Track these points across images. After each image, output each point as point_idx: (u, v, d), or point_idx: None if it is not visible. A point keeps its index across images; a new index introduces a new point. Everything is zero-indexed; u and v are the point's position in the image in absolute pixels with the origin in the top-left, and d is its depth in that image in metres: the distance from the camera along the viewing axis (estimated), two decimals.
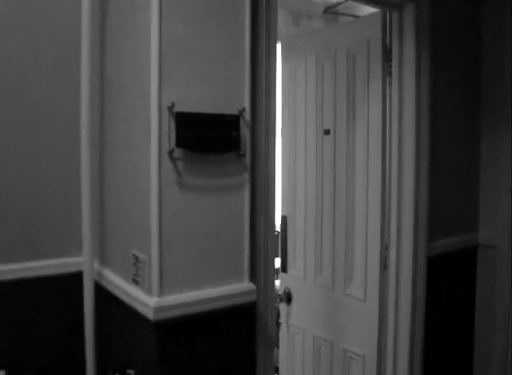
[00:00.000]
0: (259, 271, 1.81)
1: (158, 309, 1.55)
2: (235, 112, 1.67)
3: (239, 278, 1.74)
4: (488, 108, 2.83)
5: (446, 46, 2.59)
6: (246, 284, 1.76)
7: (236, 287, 1.72)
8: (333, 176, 2.81)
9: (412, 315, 2.47)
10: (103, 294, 1.89)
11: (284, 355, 3.21)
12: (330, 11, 3.97)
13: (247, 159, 1.73)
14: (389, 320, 2.54)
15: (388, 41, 2.42)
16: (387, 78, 2.43)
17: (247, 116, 1.71)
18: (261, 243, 1.82)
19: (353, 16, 3.84)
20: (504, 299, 2.82)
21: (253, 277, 1.78)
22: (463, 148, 2.79)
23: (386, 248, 2.56)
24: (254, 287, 1.77)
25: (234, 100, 1.68)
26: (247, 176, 1.74)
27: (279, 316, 3.19)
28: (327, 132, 2.85)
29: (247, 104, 1.70)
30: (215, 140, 1.63)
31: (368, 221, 2.61)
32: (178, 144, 1.57)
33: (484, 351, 2.91)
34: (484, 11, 2.80)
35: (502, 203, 2.80)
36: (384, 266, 2.57)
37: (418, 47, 2.35)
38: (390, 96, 2.44)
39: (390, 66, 2.41)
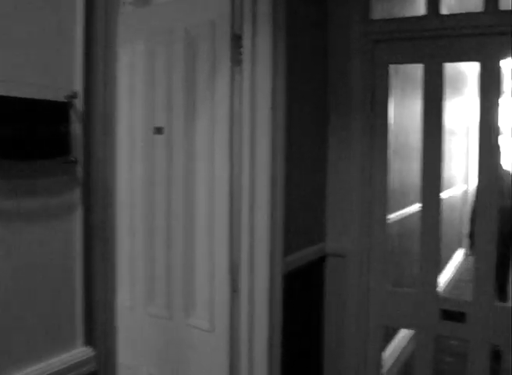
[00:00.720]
0: (98, 328, 1.28)
1: None
2: (61, 98, 1.11)
3: (70, 343, 1.18)
4: (335, 118, 2.69)
5: (299, 43, 2.34)
6: (80, 350, 1.21)
7: (65, 358, 1.16)
8: (167, 184, 2.35)
9: (269, 343, 2.15)
10: None
11: None
12: None
13: (80, 168, 1.19)
14: (241, 352, 2.18)
15: (238, 23, 2.04)
16: (237, 68, 2.06)
17: (80, 104, 1.16)
18: (100, 286, 1.28)
19: None
20: (354, 311, 2.69)
21: (90, 338, 1.24)
22: (312, 155, 2.58)
23: (234, 268, 2.20)
24: (93, 353, 1.22)
25: (60, 79, 1.12)
26: (79, 192, 1.19)
27: None
28: (159, 131, 2.37)
29: (79, 87, 1.16)
30: (31, 139, 1.06)
31: (215, 237, 2.21)
32: None
33: (335, 368, 2.75)
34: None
35: (350, 212, 2.66)
36: (234, 289, 2.19)
37: (275, 33, 2.03)
38: (241, 89, 2.07)
39: (241, 54, 2.05)
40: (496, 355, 4.07)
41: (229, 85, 2.04)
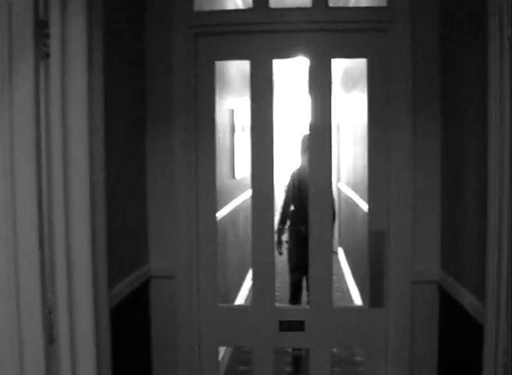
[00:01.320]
0: None
1: None
2: None
3: None
4: (154, 122, 2.36)
5: (119, 33, 1.95)
6: None
7: None
8: None
9: None
10: None
11: None
12: None
13: None
14: None
15: (44, 7, 1.57)
16: (43, 63, 1.59)
17: None
18: None
19: None
20: (186, 335, 2.40)
21: None
22: (132, 165, 2.21)
23: (50, 312, 1.73)
24: None
25: None
26: None
27: None
28: None
29: None
30: None
31: (19, 275, 1.71)
32: None
33: None
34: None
35: (174, 229, 2.36)
36: (50, 339, 1.73)
37: (90, 22, 1.62)
38: (48, 89, 1.61)
39: (48, 46, 1.59)
40: (296, 360, 4.19)
41: (32, 84, 1.56)
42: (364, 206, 4.59)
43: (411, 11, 2.21)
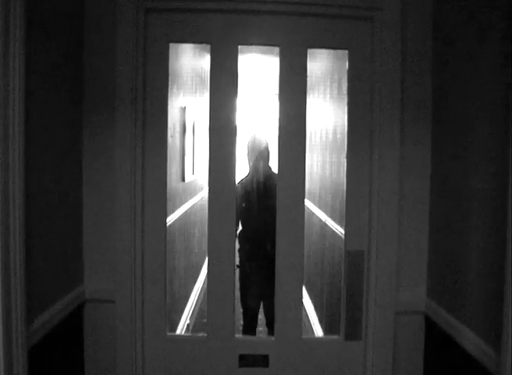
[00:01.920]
0: None
1: None
2: None
3: None
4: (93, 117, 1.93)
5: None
6: None
7: None
8: None
9: None
10: None
11: None
12: None
13: None
14: None
15: None
16: None
17: None
18: None
19: None
20: (128, 372, 1.98)
21: None
22: (62, 168, 1.78)
23: None
24: None
25: None
26: None
27: None
28: None
29: None
30: None
31: None
32: None
33: None
34: None
35: (122, 244, 1.94)
36: None
37: None
38: None
39: None
40: None
41: None
42: (321, 215, 4.28)
43: None
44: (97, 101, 1.91)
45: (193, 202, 5.51)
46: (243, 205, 3.73)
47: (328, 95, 4.15)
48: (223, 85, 1.97)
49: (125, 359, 1.98)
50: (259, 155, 3.47)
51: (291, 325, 2.04)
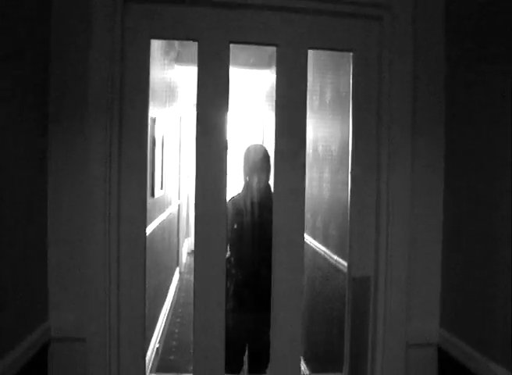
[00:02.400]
0: None
1: None
2: None
3: None
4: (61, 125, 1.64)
5: None
6: None
7: None
8: None
9: None
10: None
11: None
12: None
13: None
14: None
15: None
16: None
17: None
18: None
19: None
20: None
21: None
22: (23, 183, 1.49)
23: None
24: None
25: None
26: None
27: None
28: None
29: None
30: None
31: None
32: None
33: None
34: None
35: (87, 275, 1.65)
36: None
37: None
38: None
39: None
40: None
41: None
42: (307, 239, 4.04)
43: None
44: (66, 108, 1.63)
45: (162, 218, 5.25)
46: (234, 226, 3.03)
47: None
48: (212, 90, 1.72)
49: None
50: (254, 168, 2.85)
51: (289, 363, 1.79)
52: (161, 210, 5.25)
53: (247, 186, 2.87)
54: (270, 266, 2.02)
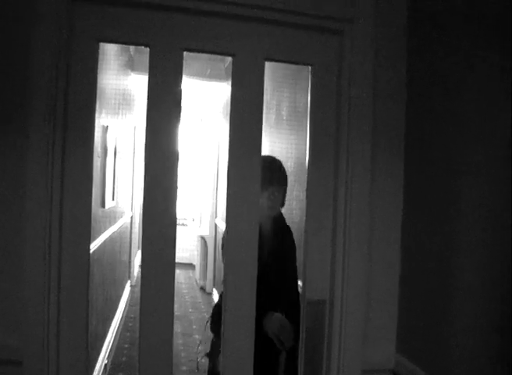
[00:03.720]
0: None
1: None
2: None
3: None
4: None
5: None
6: None
7: None
8: None
9: None
10: None
11: None
12: None
13: None
14: None
15: None
16: None
17: None
18: None
19: None
20: None
21: None
22: None
23: None
24: None
25: None
26: None
27: None
28: None
29: None
30: None
31: None
32: None
33: None
34: None
35: (31, 288, 1.50)
36: None
37: None
38: None
39: None
40: None
41: None
42: None
43: (376, 11, 1.67)
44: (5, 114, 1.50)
45: (113, 230, 5.07)
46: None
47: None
48: (163, 99, 1.62)
49: None
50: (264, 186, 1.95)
51: None
52: (112, 222, 5.07)
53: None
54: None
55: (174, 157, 1.64)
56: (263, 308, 1.82)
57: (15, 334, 1.52)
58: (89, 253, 1.62)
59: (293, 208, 2.76)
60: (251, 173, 1.69)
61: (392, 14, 1.71)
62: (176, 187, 1.65)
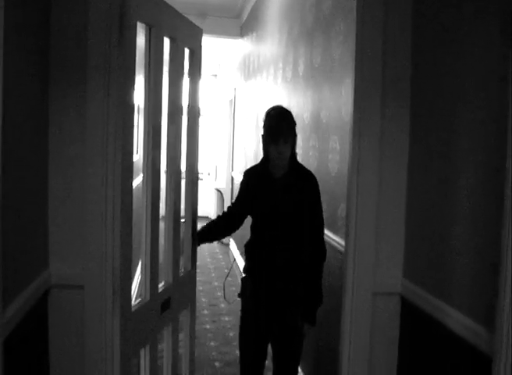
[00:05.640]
0: None
1: None
2: None
3: None
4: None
5: None
6: None
7: None
8: None
9: None
10: None
11: None
12: None
13: None
14: None
15: None
16: None
17: None
18: None
19: None
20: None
21: None
22: (29, 136, 1.61)
23: None
24: None
25: None
26: None
27: None
28: None
29: None
30: None
31: None
32: None
33: None
34: None
35: (89, 225, 1.78)
36: None
37: None
38: None
39: None
40: None
41: None
42: None
43: None
44: (63, 72, 1.76)
45: (136, 183, 5.29)
46: (256, 203, 2.41)
47: (279, 78, 4.09)
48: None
49: (95, 346, 1.82)
50: (274, 135, 2.24)
51: None
52: (135, 175, 5.28)
53: (272, 154, 2.29)
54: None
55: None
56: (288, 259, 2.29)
57: (79, 265, 1.81)
58: (132, 192, 1.89)
59: (310, 156, 2.99)
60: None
61: None
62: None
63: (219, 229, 2.57)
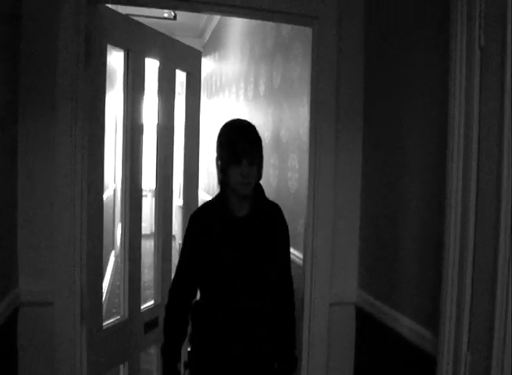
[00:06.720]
0: None
1: None
2: None
3: None
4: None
5: None
6: None
7: None
8: None
9: None
10: None
11: None
12: None
13: None
14: None
15: None
16: None
17: None
18: None
19: None
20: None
21: None
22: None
23: None
24: None
25: None
26: None
27: None
28: None
29: None
30: None
31: None
32: None
33: None
34: None
35: (57, 243, 1.84)
36: None
37: None
38: None
39: None
40: None
41: None
42: None
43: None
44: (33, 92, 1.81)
45: (106, 195, 5.29)
46: (218, 249, 1.74)
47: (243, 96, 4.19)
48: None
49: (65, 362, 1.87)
50: (237, 154, 1.67)
51: None
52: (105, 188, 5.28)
53: (225, 188, 1.77)
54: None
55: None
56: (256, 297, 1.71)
57: (49, 278, 1.84)
58: (102, 212, 1.95)
59: (270, 175, 3.09)
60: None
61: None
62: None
63: (185, 328, 1.82)
